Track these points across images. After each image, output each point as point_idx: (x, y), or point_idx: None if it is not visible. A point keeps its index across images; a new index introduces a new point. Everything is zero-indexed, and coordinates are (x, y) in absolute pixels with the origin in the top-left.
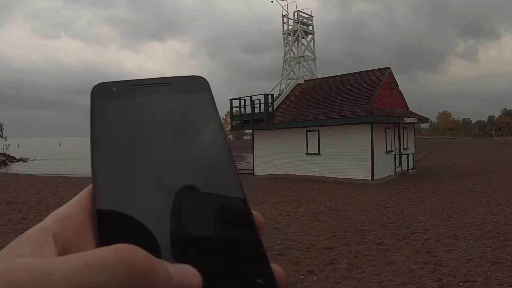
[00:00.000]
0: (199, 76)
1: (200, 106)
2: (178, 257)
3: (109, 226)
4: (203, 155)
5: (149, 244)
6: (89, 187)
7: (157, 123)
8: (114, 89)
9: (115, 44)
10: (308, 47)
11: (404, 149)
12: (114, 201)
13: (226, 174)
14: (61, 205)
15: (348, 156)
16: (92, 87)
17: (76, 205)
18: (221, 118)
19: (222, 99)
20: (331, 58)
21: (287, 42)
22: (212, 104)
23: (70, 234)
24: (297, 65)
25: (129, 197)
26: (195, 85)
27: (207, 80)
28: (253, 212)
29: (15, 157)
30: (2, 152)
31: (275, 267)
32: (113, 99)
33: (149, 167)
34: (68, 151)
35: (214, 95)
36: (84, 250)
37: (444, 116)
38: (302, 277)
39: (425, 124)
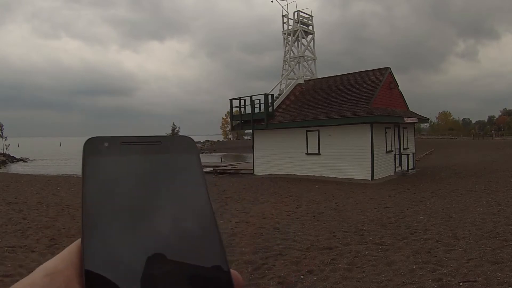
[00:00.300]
0: (188, 137)
1: (188, 169)
2: None
3: (96, 285)
4: (190, 223)
5: None
6: (78, 242)
7: (147, 184)
8: (105, 144)
9: (115, 44)
10: (308, 47)
11: (404, 149)
12: (102, 263)
13: (211, 244)
14: (61, 205)
15: (348, 156)
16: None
17: (65, 259)
18: (205, 181)
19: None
20: (331, 58)
21: (287, 42)
22: (199, 167)
23: None
24: (297, 65)
25: (117, 259)
26: (183, 146)
27: (194, 141)
28: (233, 273)
29: (15, 157)
30: (2, 152)
31: None
32: (104, 155)
33: (138, 231)
34: (68, 151)
35: (214, 95)
36: None
37: (444, 116)
38: (302, 277)
39: (425, 124)
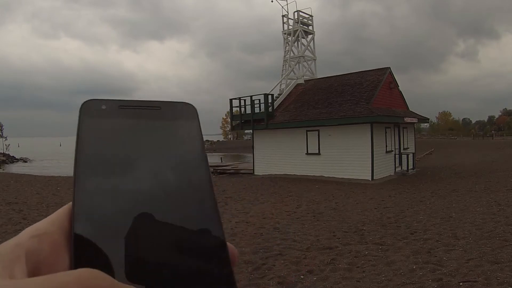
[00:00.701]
0: (189, 104)
1: (187, 136)
2: (149, 284)
3: (85, 250)
4: (185, 187)
5: (121, 269)
6: (69, 205)
7: (143, 148)
8: (103, 107)
9: (115, 44)
10: (308, 47)
11: (404, 149)
12: (93, 226)
13: (206, 208)
14: (61, 205)
15: (348, 156)
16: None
17: (54, 222)
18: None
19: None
20: (331, 58)
21: (287, 42)
22: (199, 134)
23: (45, 252)
24: (297, 65)
25: (107, 222)
26: (184, 113)
27: (196, 108)
28: (228, 245)
29: (15, 157)
30: (2, 152)
31: None
32: (101, 117)
33: (130, 193)
34: (68, 151)
35: (214, 95)
36: (58, 271)
37: (444, 116)
38: (302, 277)
39: (425, 124)
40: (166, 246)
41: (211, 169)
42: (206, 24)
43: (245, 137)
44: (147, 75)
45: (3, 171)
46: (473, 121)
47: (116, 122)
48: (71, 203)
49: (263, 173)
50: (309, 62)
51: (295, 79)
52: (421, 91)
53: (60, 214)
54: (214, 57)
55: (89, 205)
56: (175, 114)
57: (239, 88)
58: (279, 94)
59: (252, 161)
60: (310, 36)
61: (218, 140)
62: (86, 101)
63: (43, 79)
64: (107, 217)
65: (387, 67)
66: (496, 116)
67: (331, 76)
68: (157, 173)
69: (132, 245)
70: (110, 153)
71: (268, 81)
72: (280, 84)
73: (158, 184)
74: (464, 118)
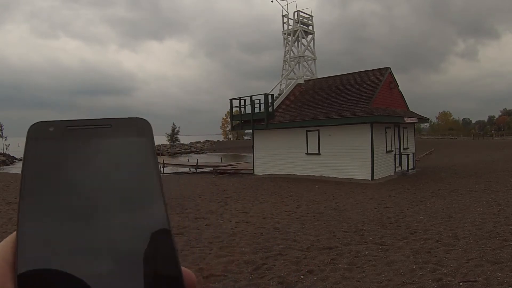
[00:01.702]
0: (142, 119)
1: (138, 156)
2: None
3: (30, 285)
4: (136, 216)
5: None
6: (13, 236)
7: (90, 170)
8: (51, 129)
9: (114, 44)
10: (308, 47)
11: (404, 149)
12: (37, 263)
13: (161, 242)
14: None
15: (348, 156)
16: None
17: None
18: (159, 165)
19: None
20: (331, 58)
21: (287, 42)
22: (151, 153)
23: None
24: (297, 65)
25: (53, 258)
26: (136, 129)
27: (150, 122)
28: (185, 272)
29: (15, 157)
30: (2, 152)
31: None
32: (48, 139)
33: (78, 224)
34: None
35: (214, 95)
36: None
37: (444, 116)
38: (302, 277)
39: (425, 124)
40: (115, 277)
41: (211, 169)
42: (205, 24)
43: (245, 137)
44: (147, 75)
45: (3, 171)
46: (473, 121)
47: (63, 144)
48: (15, 233)
49: (263, 173)
50: (309, 62)
51: (295, 79)
52: (421, 91)
53: (3, 245)
54: (214, 57)
55: (34, 236)
56: (126, 131)
57: (239, 88)
58: (279, 94)
59: (252, 161)
60: (310, 36)
61: (218, 140)
62: (33, 124)
63: (43, 79)
64: (54, 251)
65: (387, 67)
66: (496, 116)
67: (331, 76)
68: (108, 202)
69: (78, 278)
70: (57, 180)
71: (268, 80)
72: (280, 84)
73: (106, 209)
74: (464, 118)
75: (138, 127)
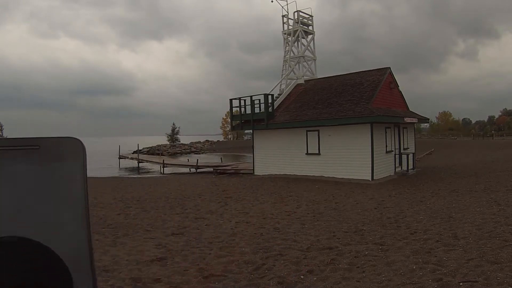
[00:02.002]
0: (74, 139)
1: (66, 182)
2: None
3: None
4: (56, 249)
5: None
6: None
7: (13, 198)
8: None
9: (113, 43)
10: (308, 47)
11: (404, 149)
12: None
13: (82, 279)
14: None
15: (348, 156)
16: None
17: None
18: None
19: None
20: (331, 58)
21: (287, 42)
22: (80, 179)
23: None
24: (297, 65)
25: None
26: (66, 151)
27: (82, 143)
28: None
29: None
30: None
31: None
32: None
33: None
34: None
35: (214, 95)
36: None
37: (444, 116)
38: (302, 277)
39: (425, 124)
40: None
41: (211, 169)
42: (205, 24)
43: (245, 137)
44: (147, 75)
45: None
46: (473, 121)
47: None
48: None
49: (263, 173)
50: (309, 62)
51: (295, 79)
52: (421, 91)
53: None
54: (213, 57)
55: None
56: (56, 153)
57: (239, 87)
58: (279, 94)
59: (252, 161)
60: (310, 36)
61: (218, 140)
62: None
63: (43, 79)
64: None
65: (387, 67)
66: (496, 116)
67: (331, 76)
68: (27, 235)
69: None
70: None
71: (268, 80)
72: (280, 84)
73: (23, 251)
74: (464, 118)
75: (69, 149)
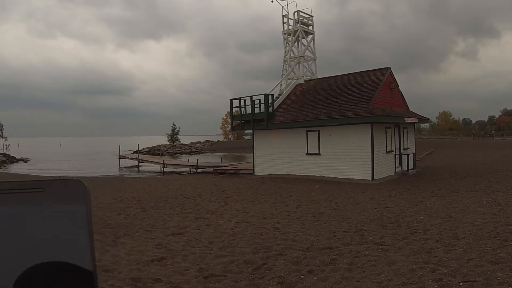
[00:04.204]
0: (78, 182)
1: (70, 225)
2: None
3: None
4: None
5: None
6: None
7: (20, 241)
8: None
9: (111, 43)
10: (308, 47)
11: (404, 149)
12: None
13: None
14: None
15: (348, 156)
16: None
17: None
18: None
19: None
20: (330, 58)
21: (287, 42)
22: (84, 222)
23: None
24: (297, 65)
25: None
26: (71, 194)
27: (85, 185)
28: None
29: (15, 157)
30: (3, 152)
31: None
32: None
33: None
34: (69, 151)
35: (213, 95)
36: None
37: (444, 116)
38: (302, 277)
39: (425, 124)
40: None
41: (211, 169)
42: (203, 23)
43: (245, 137)
44: (145, 75)
45: (4, 171)
46: (473, 121)
47: None
48: None
49: (263, 173)
50: (309, 62)
51: (295, 79)
52: (421, 91)
53: None
54: (212, 57)
55: None
56: (60, 196)
57: (238, 87)
58: (279, 94)
59: (252, 161)
60: (310, 36)
61: (218, 140)
62: None
63: (41, 79)
64: None
65: (387, 67)
66: (496, 116)
67: (331, 76)
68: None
69: None
70: None
71: (266, 80)
72: (280, 84)
73: None
74: (464, 118)
75: (73, 191)
